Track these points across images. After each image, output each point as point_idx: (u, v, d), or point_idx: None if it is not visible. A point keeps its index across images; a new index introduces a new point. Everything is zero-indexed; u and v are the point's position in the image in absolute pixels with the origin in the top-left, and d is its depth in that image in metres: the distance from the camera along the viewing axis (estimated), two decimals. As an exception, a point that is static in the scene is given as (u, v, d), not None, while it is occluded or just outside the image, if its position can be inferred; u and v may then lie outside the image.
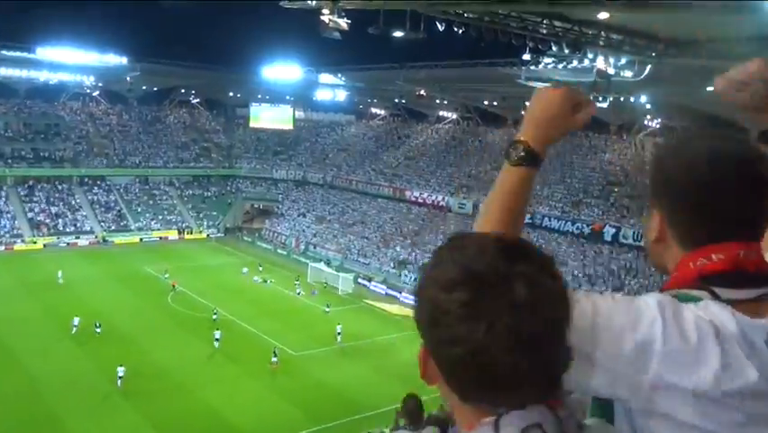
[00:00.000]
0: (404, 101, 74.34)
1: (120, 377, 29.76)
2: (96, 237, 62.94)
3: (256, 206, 76.82)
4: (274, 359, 33.32)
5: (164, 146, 77.21)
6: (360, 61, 59.12)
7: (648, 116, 53.82)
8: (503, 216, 1.45)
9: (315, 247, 61.52)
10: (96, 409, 27.24)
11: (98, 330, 36.16)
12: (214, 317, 40.29)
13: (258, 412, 27.98)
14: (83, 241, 61.74)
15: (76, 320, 36.54)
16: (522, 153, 1.47)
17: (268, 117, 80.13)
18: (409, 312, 40.56)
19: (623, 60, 34.17)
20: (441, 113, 73.82)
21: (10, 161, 66.24)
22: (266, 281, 50.54)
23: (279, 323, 40.72)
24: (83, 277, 49.06)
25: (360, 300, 47.61)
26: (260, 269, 53.14)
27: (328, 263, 55.26)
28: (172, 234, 66.76)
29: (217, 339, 35.67)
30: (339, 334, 37.98)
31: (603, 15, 26.42)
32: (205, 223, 70.29)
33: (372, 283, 51.58)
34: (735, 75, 1.45)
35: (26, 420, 25.83)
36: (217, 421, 27.02)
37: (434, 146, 69.99)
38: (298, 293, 47.73)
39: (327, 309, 42.92)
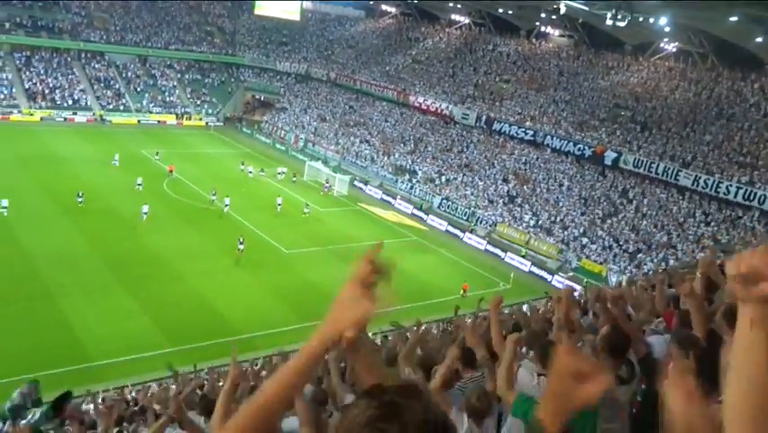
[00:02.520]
0: (416, 0, 71.58)
1: (145, 213, 36.53)
2: (94, 115, 62.16)
3: (257, 97, 75.48)
4: (240, 246, 33.94)
5: (165, 26, 74.78)
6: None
7: (666, 39, 52.16)
8: None
9: (313, 145, 61.09)
10: (90, 290, 27.86)
11: (80, 200, 37.25)
12: (213, 198, 41.45)
13: (247, 304, 28.72)
14: (80, 117, 61.02)
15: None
16: None
17: (274, 5, 77.26)
18: (402, 219, 41.26)
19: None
20: (453, 16, 71.20)
21: (7, 25, 64.14)
22: (262, 170, 51.12)
23: (273, 219, 41.09)
24: (79, 154, 48.86)
25: (354, 203, 47.85)
26: (242, 167, 51.18)
27: (325, 163, 55.10)
28: (170, 119, 65.96)
29: (227, 205, 39.95)
30: (279, 205, 42.31)
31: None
32: (205, 110, 69.32)
33: (368, 187, 51.66)
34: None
35: (21, 295, 26.49)
36: (206, 310, 27.75)
37: (443, 51, 68.04)
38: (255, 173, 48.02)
39: (306, 211, 42.72)
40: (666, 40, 52.15)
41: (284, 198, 44.22)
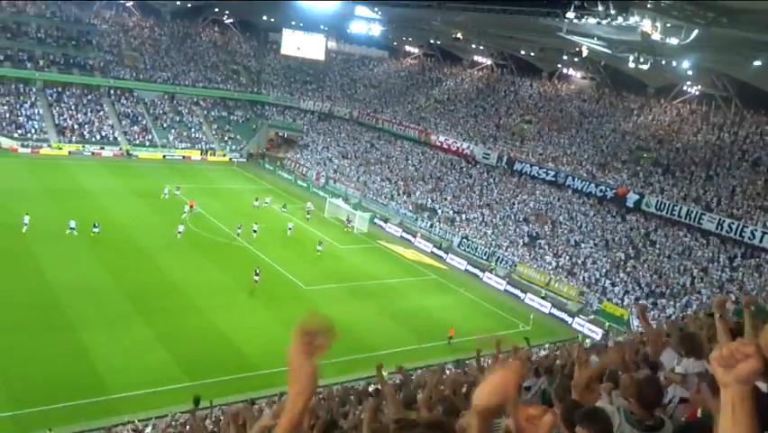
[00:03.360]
0: (439, 42, 72.70)
1: (180, 232, 40.46)
2: (121, 150, 63.47)
3: (280, 134, 76.62)
4: (256, 278, 34.42)
5: (193, 65, 76.67)
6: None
7: (689, 82, 52.24)
8: None
9: (335, 182, 61.64)
10: (109, 322, 28.08)
11: (96, 230, 38.13)
12: (238, 231, 42.72)
13: (265, 340, 28.62)
14: (107, 152, 62.33)
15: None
16: None
17: (300, 45, 78.90)
18: (422, 257, 41.10)
19: (669, 24, 32.97)
20: (475, 57, 72.14)
21: (41, 62, 66.23)
22: (284, 207, 51.99)
23: (293, 254, 41.30)
24: (106, 188, 49.79)
25: (373, 240, 47.98)
26: (256, 204, 51.54)
27: (346, 200, 55.50)
28: (195, 155, 67.12)
29: (255, 231, 42.76)
30: (290, 229, 45.08)
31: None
32: (229, 146, 70.48)
33: (388, 225, 51.83)
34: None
35: (43, 325, 26.79)
36: (224, 344, 27.80)
37: (464, 92, 68.79)
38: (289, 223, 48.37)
39: (319, 248, 42.27)
40: (689, 83, 52.27)
41: (296, 227, 45.62)
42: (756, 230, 37.71)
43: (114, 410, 21.53)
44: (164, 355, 26.05)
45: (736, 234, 38.68)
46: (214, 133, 71.35)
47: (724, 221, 39.40)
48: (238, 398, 22.51)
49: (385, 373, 13.15)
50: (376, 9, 62.99)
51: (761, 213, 39.21)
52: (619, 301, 38.69)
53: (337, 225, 50.02)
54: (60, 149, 60.18)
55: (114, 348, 25.96)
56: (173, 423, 18.99)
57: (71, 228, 37.58)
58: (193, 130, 70.16)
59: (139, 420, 20.52)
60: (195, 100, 73.71)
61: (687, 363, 5.84)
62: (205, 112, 73.36)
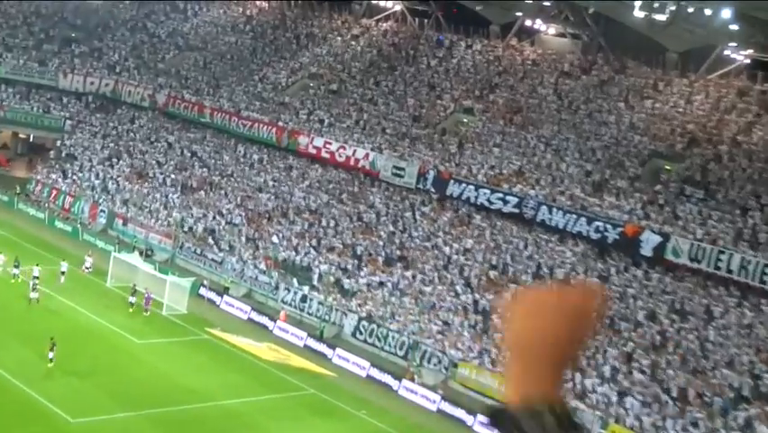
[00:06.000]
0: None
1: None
2: None
3: (23, 137, 74.84)
4: None
5: None
6: None
7: (733, 44, 54.82)
8: None
9: (125, 223, 60.25)
10: None
11: None
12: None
13: None
14: None
15: None
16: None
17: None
18: (288, 356, 40.36)
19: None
20: (375, 0, 73.29)
21: None
22: (16, 265, 49.26)
23: (44, 357, 39.43)
24: None
25: (198, 328, 47.01)
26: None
27: (149, 254, 54.34)
28: None
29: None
30: (63, 273, 48.90)
31: None
32: None
33: (225, 299, 51.01)
34: None
35: None
36: None
37: (358, 59, 69.32)
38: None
39: (51, 356, 38.88)
40: (733, 45, 54.77)
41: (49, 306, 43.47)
42: None
43: None
44: None
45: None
46: None
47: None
48: None
49: None
50: None
51: None
52: (636, 422, 39.21)
53: (125, 301, 48.60)
54: None
55: None
56: None
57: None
58: None
59: None
60: None
61: None
62: None
